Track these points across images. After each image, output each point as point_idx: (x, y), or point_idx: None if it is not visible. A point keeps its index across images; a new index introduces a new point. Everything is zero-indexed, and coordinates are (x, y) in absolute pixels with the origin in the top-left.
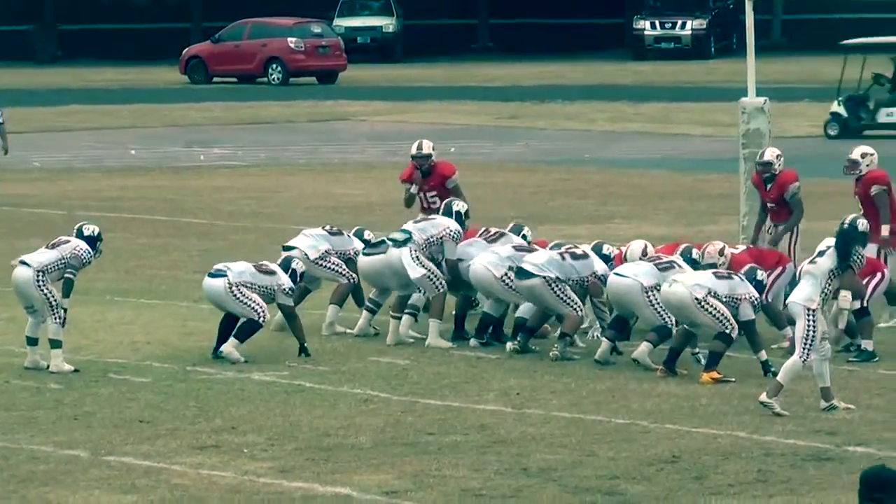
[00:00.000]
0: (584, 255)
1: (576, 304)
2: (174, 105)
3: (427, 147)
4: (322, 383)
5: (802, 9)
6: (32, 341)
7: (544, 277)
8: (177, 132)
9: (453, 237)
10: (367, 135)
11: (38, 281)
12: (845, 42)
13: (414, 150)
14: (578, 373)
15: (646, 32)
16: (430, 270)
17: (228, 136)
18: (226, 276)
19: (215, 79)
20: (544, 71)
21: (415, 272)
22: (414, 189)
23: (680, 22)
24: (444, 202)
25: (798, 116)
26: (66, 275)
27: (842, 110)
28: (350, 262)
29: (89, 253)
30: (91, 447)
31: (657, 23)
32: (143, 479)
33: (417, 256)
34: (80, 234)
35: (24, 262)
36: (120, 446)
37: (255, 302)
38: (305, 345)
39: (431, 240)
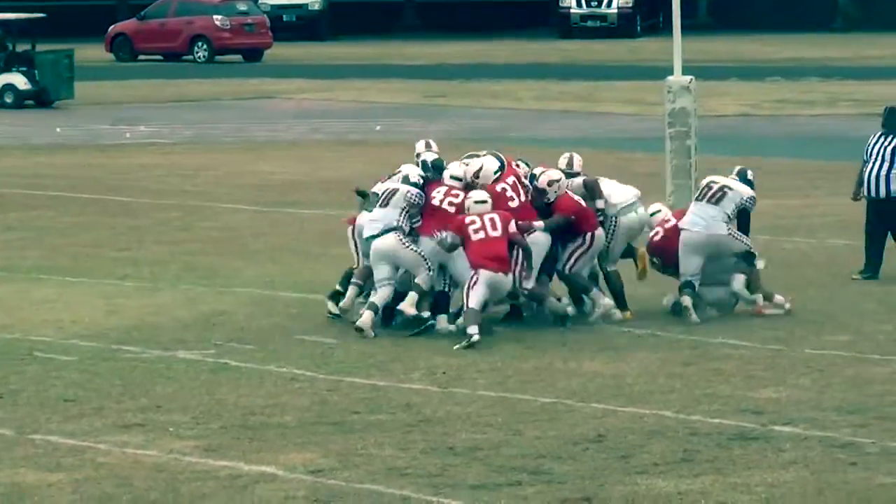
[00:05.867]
0: None
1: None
2: (100, 83)
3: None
4: (248, 362)
5: None
6: None
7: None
8: (102, 110)
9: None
10: (293, 113)
11: None
12: None
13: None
14: (504, 352)
15: (572, 10)
16: (420, 253)
17: (154, 114)
18: (395, 229)
19: (141, 56)
20: (471, 49)
21: (408, 255)
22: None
23: (606, 0)
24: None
25: (724, 95)
26: None
27: None
28: None
29: None
30: (16, 425)
31: (583, 1)
32: (68, 457)
33: (403, 241)
34: None
35: None
36: (45, 425)
37: (422, 251)
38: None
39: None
